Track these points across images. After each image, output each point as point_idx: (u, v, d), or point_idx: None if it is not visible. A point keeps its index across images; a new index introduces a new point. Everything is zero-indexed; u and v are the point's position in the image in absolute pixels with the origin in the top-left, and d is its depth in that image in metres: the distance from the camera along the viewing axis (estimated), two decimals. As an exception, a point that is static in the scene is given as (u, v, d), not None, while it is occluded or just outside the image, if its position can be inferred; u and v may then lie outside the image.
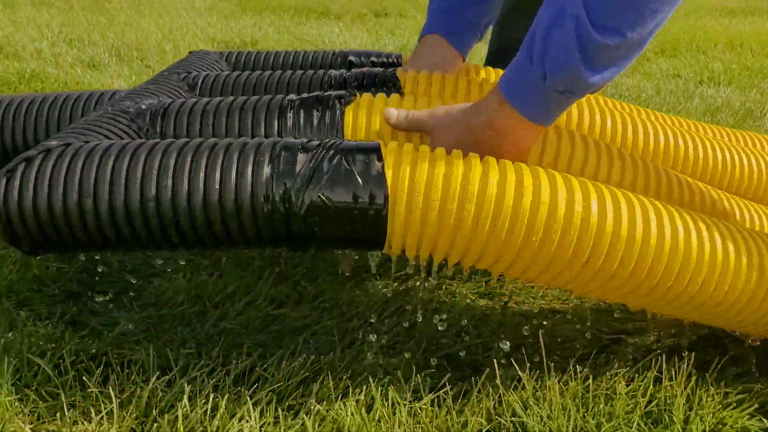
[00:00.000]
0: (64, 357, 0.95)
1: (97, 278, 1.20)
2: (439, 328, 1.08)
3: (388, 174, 0.78)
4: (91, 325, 1.07)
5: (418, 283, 1.21)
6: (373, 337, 1.04)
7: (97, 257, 1.23)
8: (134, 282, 1.20)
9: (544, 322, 1.12)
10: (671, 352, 1.03)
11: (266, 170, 0.78)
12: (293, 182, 0.78)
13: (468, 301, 1.19)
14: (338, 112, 0.96)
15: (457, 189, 0.78)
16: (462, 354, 1.04)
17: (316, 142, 0.82)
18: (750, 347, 1.03)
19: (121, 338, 1.03)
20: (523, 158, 0.90)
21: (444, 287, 1.23)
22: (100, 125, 0.93)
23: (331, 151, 0.80)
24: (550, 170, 0.83)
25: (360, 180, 0.78)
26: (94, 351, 0.98)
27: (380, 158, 0.79)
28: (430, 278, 1.23)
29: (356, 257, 1.30)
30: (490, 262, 0.82)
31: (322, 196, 0.78)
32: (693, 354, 0.96)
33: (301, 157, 0.79)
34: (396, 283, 1.22)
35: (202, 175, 0.78)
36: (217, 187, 0.77)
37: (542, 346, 0.97)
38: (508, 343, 1.04)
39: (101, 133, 0.90)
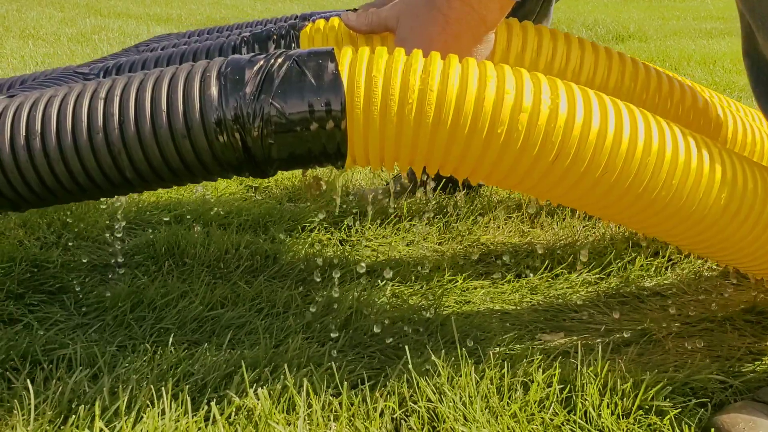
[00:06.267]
0: (-7, 356, 0.97)
1: (38, 279, 1.22)
2: (374, 328, 1.09)
3: (343, 75, 0.75)
4: (25, 321, 1.09)
5: (360, 288, 1.22)
6: (302, 333, 1.06)
7: (40, 259, 1.25)
8: (76, 281, 1.21)
9: (476, 320, 1.13)
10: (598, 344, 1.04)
11: (214, 89, 0.74)
12: (243, 95, 0.74)
13: (409, 300, 1.21)
14: (293, 37, 0.95)
15: (416, 83, 0.75)
16: (389, 341, 1.05)
17: (264, 54, 0.78)
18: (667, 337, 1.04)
19: (54, 336, 1.04)
20: (491, 44, 0.90)
21: (388, 292, 1.25)
22: None
23: (281, 59, 0.76)
24: (516, 68, 0.81)
25: (314, 83, 0.74)
26: (24, 349, 1.00)
27: (333, 60, 0.76)
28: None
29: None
30: (455, 162, 0.79)
31: (275, 104, 0.74)
32: (610, 341, 0.97)
33: (250, 70, 0.76)
34: (337, 286, 1.23)
35: (148, 99, 0.74)
36: (164, 109, 0.74)
37: (455, 333, 0.98)
38: (440, 337, 1.06)
39: None
